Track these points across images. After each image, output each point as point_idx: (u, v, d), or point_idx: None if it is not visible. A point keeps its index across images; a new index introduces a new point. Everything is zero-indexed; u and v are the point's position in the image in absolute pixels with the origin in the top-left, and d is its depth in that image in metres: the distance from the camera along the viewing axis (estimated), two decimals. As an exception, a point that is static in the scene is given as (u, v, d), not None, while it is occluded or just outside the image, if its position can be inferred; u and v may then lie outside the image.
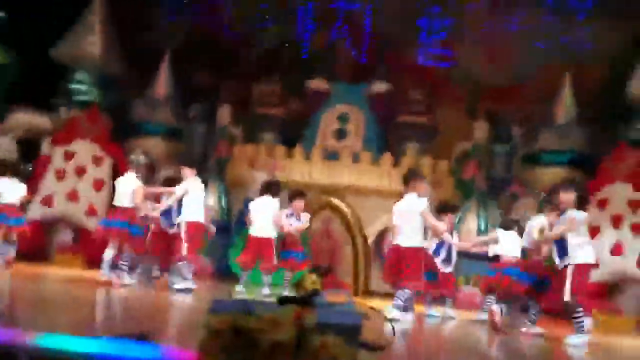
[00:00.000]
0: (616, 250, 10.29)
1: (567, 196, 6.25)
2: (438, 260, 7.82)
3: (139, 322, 3.58)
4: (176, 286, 7.60)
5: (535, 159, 12.43)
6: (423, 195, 6.70)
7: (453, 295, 8.37)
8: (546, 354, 5.62)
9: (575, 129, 12.33)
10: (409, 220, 6.48)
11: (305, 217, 8.73)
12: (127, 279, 7.83)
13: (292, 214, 8.64)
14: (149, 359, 2.21)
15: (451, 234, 8.02)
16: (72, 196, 12.12)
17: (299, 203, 8.66)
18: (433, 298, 8.01)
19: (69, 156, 12.31)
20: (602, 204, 10.86)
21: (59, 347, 2.21)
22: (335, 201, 12.04)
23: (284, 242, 8.63)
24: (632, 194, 10.87)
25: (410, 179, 6.86)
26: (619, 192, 10.76)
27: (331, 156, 12.76)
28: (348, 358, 2.21)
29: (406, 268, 6.28)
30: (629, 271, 10.18)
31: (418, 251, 6.46)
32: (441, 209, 8.20)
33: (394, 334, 2.58)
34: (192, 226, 7.84)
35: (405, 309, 6.34)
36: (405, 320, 6.21)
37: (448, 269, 7.96)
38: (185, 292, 7.39)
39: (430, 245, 7.77)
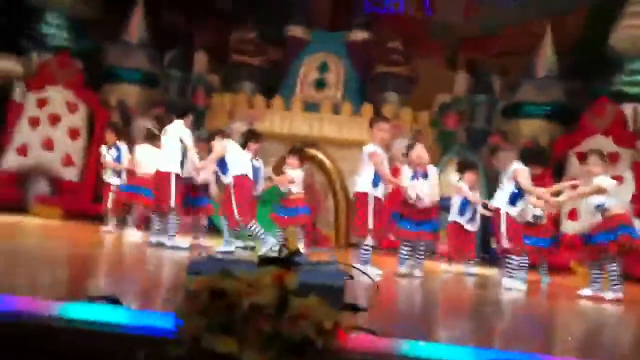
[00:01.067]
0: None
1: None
2: (463, 220, 7.63)
3: (114, 284, 3.47)
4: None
5: (515, 110, 12.39)
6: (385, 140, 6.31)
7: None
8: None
9: (555, 82, 12.31)
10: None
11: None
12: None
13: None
14: (122, 324, 2.12)
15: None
16: (48, 145, 11.86)
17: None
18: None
19: (42, 103, 12.00)
20: (582, 157, 10.88)
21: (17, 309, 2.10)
22: (317, 153, 11.95)
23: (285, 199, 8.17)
24: (611, 147, 10.91)
25: (372, 123, 6.47)
26: (598, 146, 10.75)
27: (311, 107, 12.55)
28: (331, 320, 2.14)
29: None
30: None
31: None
32: (460, 167, 8.02)
33: (378, 293, 2.51)
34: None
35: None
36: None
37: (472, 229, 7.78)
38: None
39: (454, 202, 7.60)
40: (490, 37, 15.15)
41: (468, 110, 12.64)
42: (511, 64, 14.65)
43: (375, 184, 6.03)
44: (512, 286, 6.00)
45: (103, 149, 8.58)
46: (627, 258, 6.41)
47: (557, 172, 11.30)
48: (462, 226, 7.63)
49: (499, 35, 14.95)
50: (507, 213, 6.13)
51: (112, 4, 13.48)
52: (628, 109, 11.21)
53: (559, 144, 11.39)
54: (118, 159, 8.49)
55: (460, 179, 7.82)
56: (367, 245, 5.97)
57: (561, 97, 12.20)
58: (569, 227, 10.23)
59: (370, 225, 5.91)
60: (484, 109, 12.65)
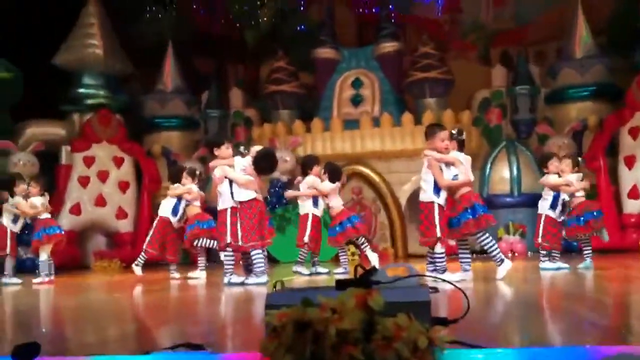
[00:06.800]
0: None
1: None
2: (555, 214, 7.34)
3: (195, 328, 3.38)
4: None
5: (559, 96, 12.09)
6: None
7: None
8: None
9: (595, 61, 11.95)
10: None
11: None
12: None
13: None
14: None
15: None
16: (99, 201, 12.08)
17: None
18: None
19: (89, 162, 12.24)
20: (635, 132, 10.54)
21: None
22: (363, 169, 11.85)
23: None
24: (663, 118, 10.54)
25: (429, 133, 6.21)
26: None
27: (351, 124, 12.46)
28: (424, 337, 2.03)
29: None
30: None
31: None
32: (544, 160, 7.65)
33: (468, 302, 2.38)
34: None
35: None
36: None
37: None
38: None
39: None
40: (522, 27, 14.94)
41: (510, 103, 12.37)
42: (548, 50, 14.40)
43: (436, 192, 5.82)
44: None
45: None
46: None
47: (611, 151, 10.97)
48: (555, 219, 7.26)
49: (530, 24, 14.74)
50: None
51: (143, 58, 13.79)
52: (675, 76, 10.82)
53: (609, 122, 11.03)
54: (178, 205, 8.17)
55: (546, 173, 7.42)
56: (437, 253, 5.79)
57: (604, 76, 11.86)
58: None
59: (439, 233, 5.73)
60: (526, 99, 12.32)
